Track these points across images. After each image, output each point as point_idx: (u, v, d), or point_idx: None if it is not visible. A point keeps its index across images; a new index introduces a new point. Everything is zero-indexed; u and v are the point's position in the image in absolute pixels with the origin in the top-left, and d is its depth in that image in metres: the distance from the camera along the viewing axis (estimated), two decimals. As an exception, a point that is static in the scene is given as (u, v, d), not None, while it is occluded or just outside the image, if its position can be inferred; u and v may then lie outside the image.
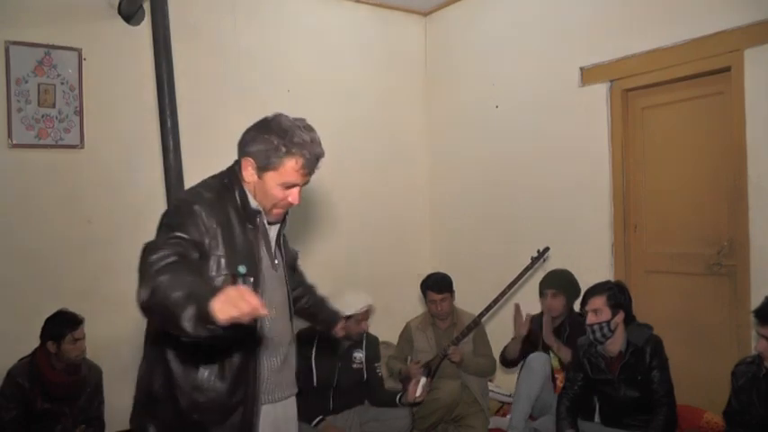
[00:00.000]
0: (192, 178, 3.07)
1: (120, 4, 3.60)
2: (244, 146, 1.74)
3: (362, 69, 4.57)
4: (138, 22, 3.65)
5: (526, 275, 3.73)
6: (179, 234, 1.61)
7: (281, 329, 1.87)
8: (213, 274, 1.67)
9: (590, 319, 2.82)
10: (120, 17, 3.62)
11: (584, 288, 3.14)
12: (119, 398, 3.40)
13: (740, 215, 3.03)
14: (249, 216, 1.76)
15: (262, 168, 1.71)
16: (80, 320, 2.99)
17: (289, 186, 1.73)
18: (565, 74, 3.82)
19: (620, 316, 2.81)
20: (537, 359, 3.29)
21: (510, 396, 3.72)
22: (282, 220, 1.88)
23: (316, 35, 4.35)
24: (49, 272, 3.41)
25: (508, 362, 3.59)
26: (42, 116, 3.44)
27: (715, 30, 3.07)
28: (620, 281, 3.17)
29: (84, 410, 3.09)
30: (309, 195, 4.10)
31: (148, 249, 1.59)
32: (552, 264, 3.71)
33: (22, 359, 3.00)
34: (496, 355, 3.70)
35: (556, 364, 3.36)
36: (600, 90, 3.66)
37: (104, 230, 3.58)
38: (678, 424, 2.82)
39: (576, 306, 3.32)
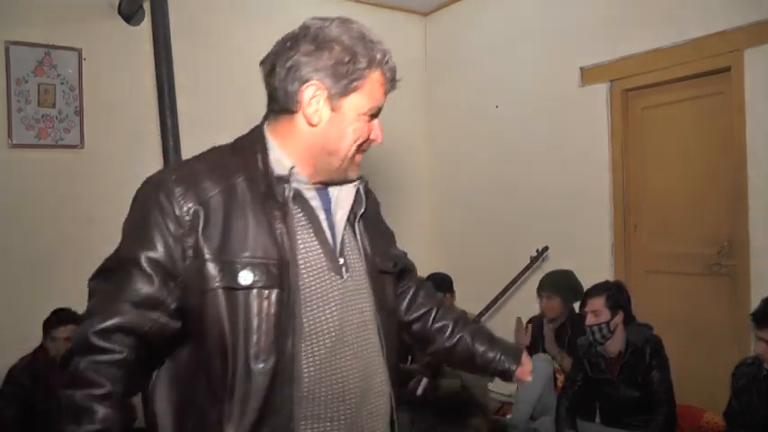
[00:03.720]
0: (191, 178, 3.08)
1: (120, 4, 3.59)
2: (295, 70, 1.12)
3: (362, 69, 4.57)
4: (138, 22, 3.64)
5: (526, 275, 3.73)
6: (141, 264, 1.06)
7: (347, 380, 1.14)
8: (197, 288, 1.07)
9: (589, 320, 2.82)
10: (120, 17, 3.62)
11: (585, 288, 3.14)
12: (119, 398, 3.41)
13: (740, 215, 3.02)
14: (272, 189, 1.12)
15: (340, 93, 1.13)
16: (63, 321, 2.95)
17: (374, 115, 1.18)
18: (565, 74, 3.82)
19: (620, 317, 2.81)
20: (539, 361, 3.29)
21: (510, 396, 3.73)
22: (357, 196, 1.23)
23: (316, 35, 4.35)
24: (49, 272, 3.41)
25: None
26: (42, 116, 3.44)
27: (715, 30, 3.07)
28: (619, 281, 3.17)
29: (84, 410, 3.09)
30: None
31: (93, 299, 1.11)
32: (552, 263, 3.71)
33: (22, 358, 3.00)
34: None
35: (557, 364, 3.37)
36: (600, 90, 3.66)
37: (104, 230, 3.54)
38: (678, 424, 2.82)
39: (577, 307, 3.33)
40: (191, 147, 3.27)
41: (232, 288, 1.06)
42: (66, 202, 3.51)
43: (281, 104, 1.15)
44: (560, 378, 3.28)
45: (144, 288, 1.05)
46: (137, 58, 3.60)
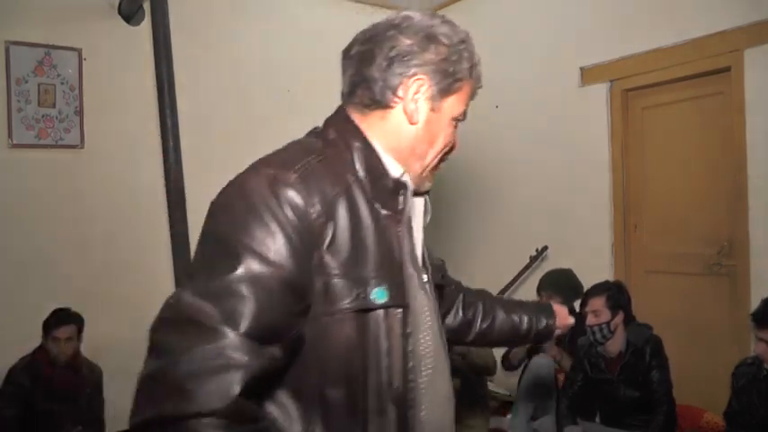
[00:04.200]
0: (192, 178, 3.08)
1: (120, 4, 3.59)
2: (400, 61, 1.00)
3: (362, 69, 4.57)
4: (138, 22, 3.64)
5: (525, 275, 3.73)
6: (266, 282, 0.83)
7: (443, 404, 1.07)
8: (323, 309, 0.90)
9: (590, 320, 2.82)
10: (120, 17, 3.62)
11: (585, 287, 3.14)
12: (119, 398, 3.40)
13: (740, 215, 3.02)
14: (383, 193, 0.99)
15: (442, 93, 1.04)
16: (64, 321, 2.97)
17: (458, 123, 1.11)
18: (565, 74, 3.82)
19: (620, 317, 2.81)
20: (541, 361, 3.29)
21: (510, 396, 3.73)
22: (425, 207, 1.16)
23: (316, 35, 4.35)
24: (49, 272, 3.41)
25: (513, 366, 3.55)
26: (42, 116, 3.43)
27: (715, 30, 3.07)
28: (620, 281, 3.17)
29: (84, 411, 3.09)
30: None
31: (202, 334, 0.80)
32: (552, 263, 3.71)
33: (22, 358, 3.00)
34: (497, 355, 3.70)
35: (557, 365, 3.36)
36: (600, 90, 3.65)
37: (104, 230, 3.58)
38: (678, 424, 2.82)
39: (577, 306, 3.33)
40: (191, 147, 3.29)
41: (364, 309, 0.92)
42: (66, 202, 3.51)
43: (374, 97, 1.01)
44: (560, 378, 3.28)
45: (267, 315, 0.82)
46: (137, 58, 3.60)
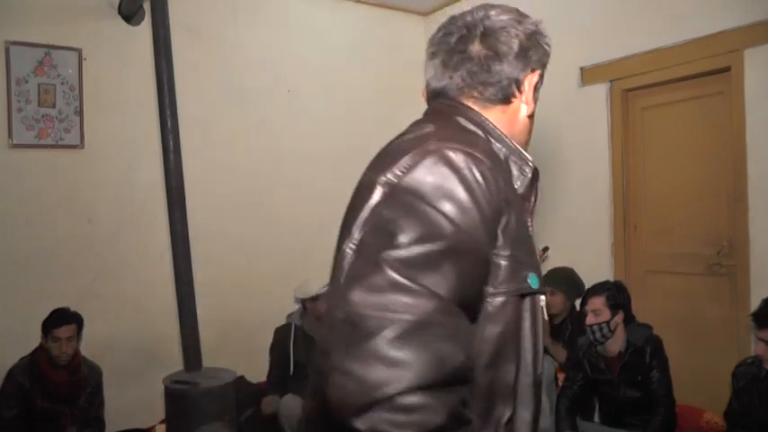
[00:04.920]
0: (192, 178, 3.09)
1: (120, 4, 3.60)
2: (524, 55, 1.05)
3: (362, 69, 4.57)
4: (138, 22, 3.65)
5: (526, 275, 3.73)
6: (476, 254, 0.85)
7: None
8: (490, 290, 0.90)
9: (589, 319, 2.82)
10: (120, 17, 3.62)
11: (586, 286, 3.14)
12: (119, 398, 3.41)
13: (740, 215, 3.02)
14: (523, 181, 1.01)
15: (541, 84, 1.13)
16: (64, 320, 2.96)
17: None
18: (565, 74, 3.82)
19: (620, 316, 2.81)
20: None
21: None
22: None
23: (316, 35, 4.35)
24: (49, 272, 3.42)
25: None
26: (42, 116, 3.44)
27: (715, 30, 3.07)
28: (620, 281, 3.17)
29: (84, 410, 3.09)
30: (306, 195, 4.09)
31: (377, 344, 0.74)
32: (552, 263, 3.71)
33: (22, 358, 3.00)
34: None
35: (557, 363, 3.37)
36: (600, 90, 3.65)
37: (104, 230, 3.58)
38: (678, 424, 2.82)
39: (578, 305, 3.33)
40: (191, 147, 3.28)
41: (522, 294, 0.92)
42: (66, 202, 3.51)
43: (499, 92, 1.04)
44: (561, 378, 3.29)
45: (466, 287, 0.83)
46: (137, 58, 3.60)
